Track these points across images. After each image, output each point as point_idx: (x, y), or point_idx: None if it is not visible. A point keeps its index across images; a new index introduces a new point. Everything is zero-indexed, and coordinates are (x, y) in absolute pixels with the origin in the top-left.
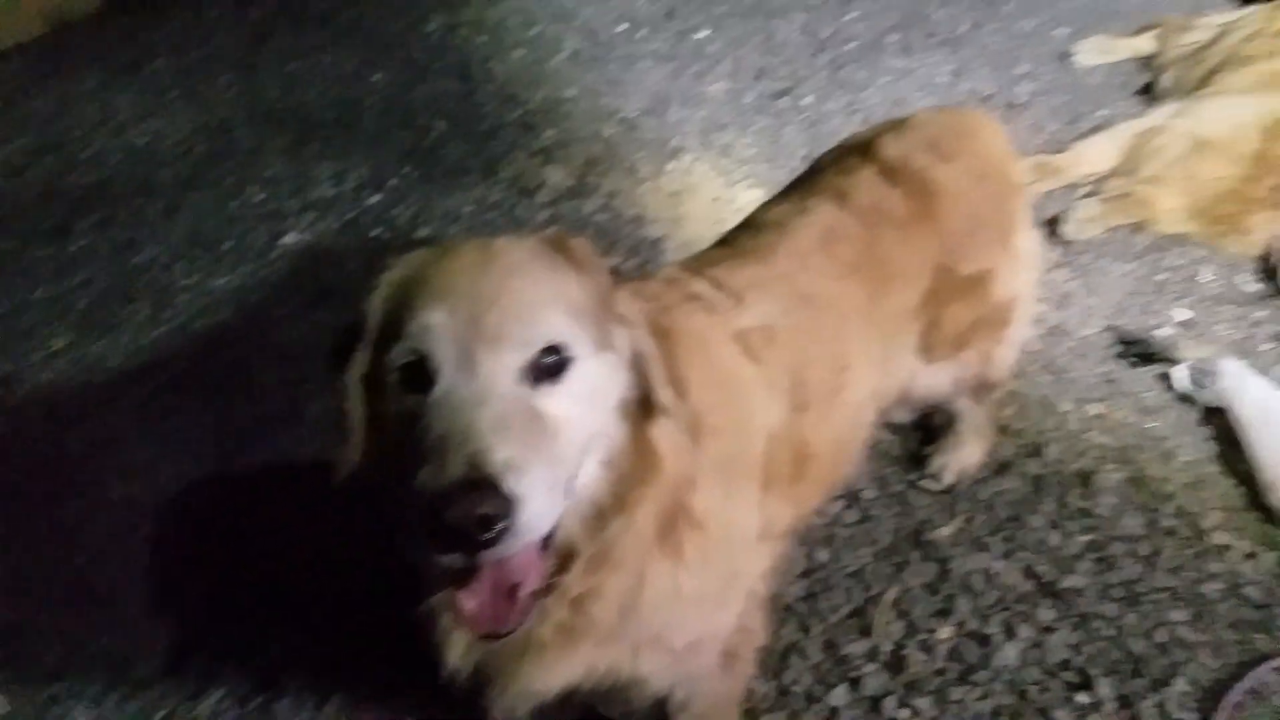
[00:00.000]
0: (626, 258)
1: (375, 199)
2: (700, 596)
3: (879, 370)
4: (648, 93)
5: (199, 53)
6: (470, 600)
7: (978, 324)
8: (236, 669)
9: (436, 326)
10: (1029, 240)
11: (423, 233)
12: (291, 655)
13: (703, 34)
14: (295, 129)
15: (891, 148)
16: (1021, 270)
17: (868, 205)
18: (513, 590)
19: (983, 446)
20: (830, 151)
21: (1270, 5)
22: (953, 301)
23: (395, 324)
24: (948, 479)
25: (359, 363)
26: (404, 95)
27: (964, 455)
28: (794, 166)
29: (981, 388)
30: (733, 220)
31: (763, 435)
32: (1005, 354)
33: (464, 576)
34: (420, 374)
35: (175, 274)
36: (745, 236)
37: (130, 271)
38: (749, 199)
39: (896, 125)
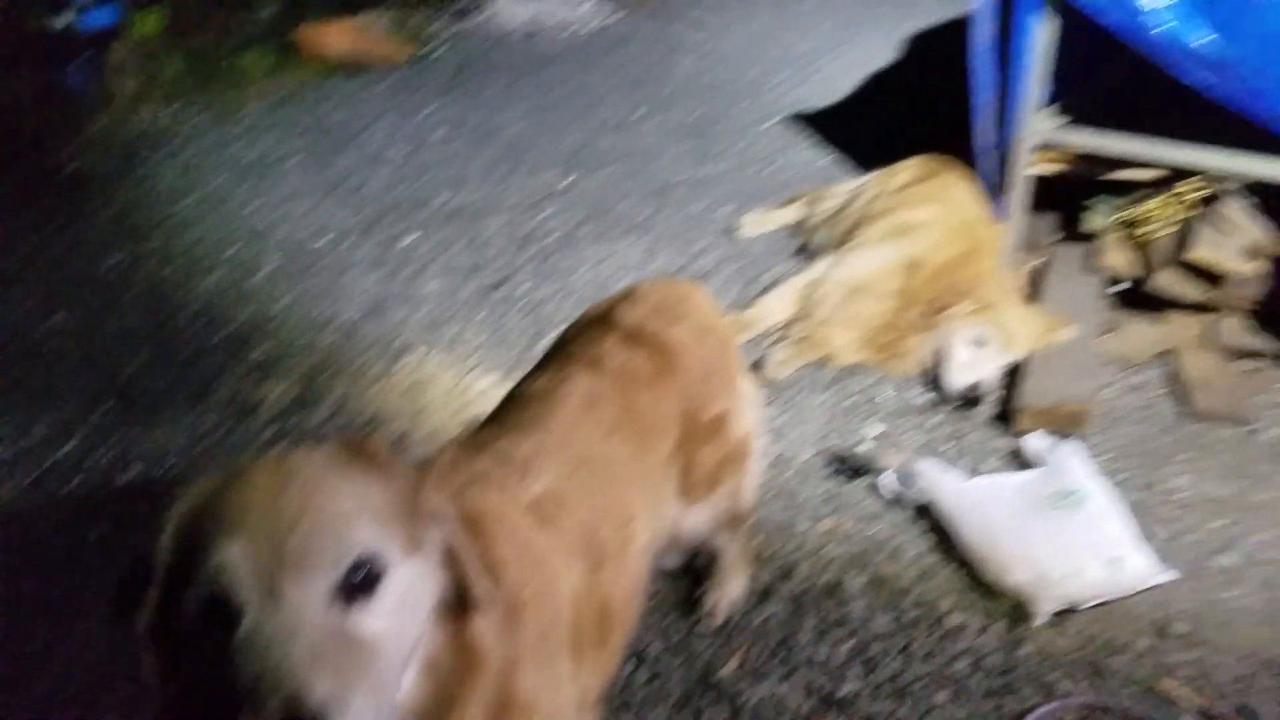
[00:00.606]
0: None
1: (68, 448)
2: None
3: (654, 518)
4: (363, 298)
5: None
6: None
7: (724, 461)
8: None
9: (234, 562)
10: (747, 383)
11: (129, 475)
12: None
13: (409, 239)
14: None
15: (628, 316)
16: (748, 409)
17: (618, 368)
18: None
19: (744, 578)
20: (573, 325)
21: (882, 172)
22: (702, 445)
23: (188, 563)
24: (721, 615)
25: (149, 609)
26: (91, 333)
27: (730, 589)
28: (522, 348)
29: (735, 521)
30: (475, 406)
31: (568, 603)
32: (749, 485)
33: None
34: (223, 612)
35: None
36: (514, 411)
37: None
38: (485, 384)
39: (626, 296)
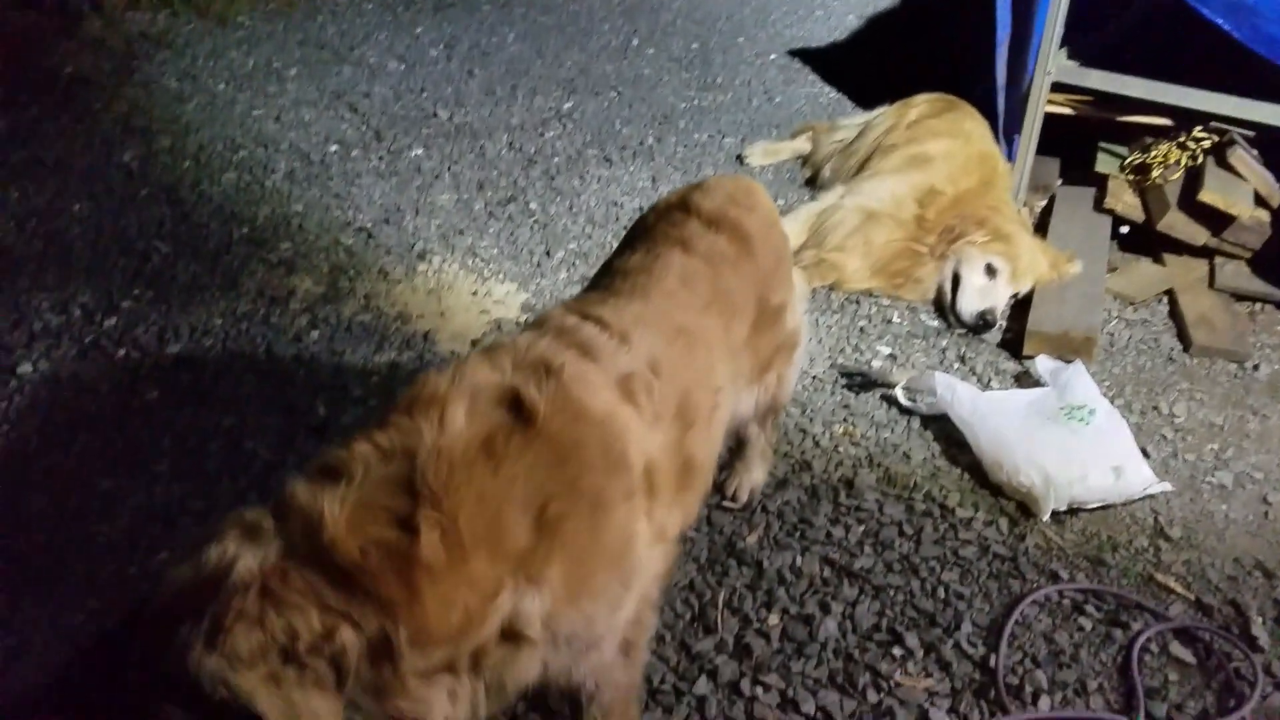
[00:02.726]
0: (400, 352)
1: (111, 322)
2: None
3: (734, 392)
4: (378, 205)
5: None
6: None
7: (779, 349)
8: None
9: None
10: (799, 280)
11: (174, 349)
12: None
13: (416, 152)
14: None
15: (706, 203)
16: (800, 302)
17: (705, 250)
18: None
19: (766, 467)
20: (650, 212)
21: (897, 106)
22: (765, 330)
23: None
24: (743, 497)
25: None
26: (114, 223)
27: (754, 475)
28: (538, 260)
29: (771, 411)
30: (495, 309)
31: (639, 461)
32: (793, 376)
33: None
34: None
35: None
36: (616, 280)
37: None
38: (504, 290)
39: (698, 188)
